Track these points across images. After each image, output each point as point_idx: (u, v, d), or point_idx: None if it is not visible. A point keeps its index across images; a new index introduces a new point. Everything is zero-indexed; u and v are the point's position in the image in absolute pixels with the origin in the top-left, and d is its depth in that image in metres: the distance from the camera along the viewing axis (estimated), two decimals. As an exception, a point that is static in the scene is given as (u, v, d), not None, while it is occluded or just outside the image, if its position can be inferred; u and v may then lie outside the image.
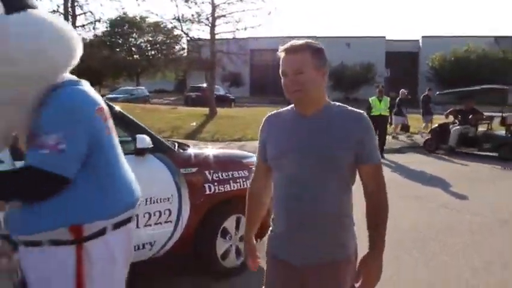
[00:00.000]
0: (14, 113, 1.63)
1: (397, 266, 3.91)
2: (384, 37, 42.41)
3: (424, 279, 3.77)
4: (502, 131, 11.02)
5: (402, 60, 40.48)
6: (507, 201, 6.62)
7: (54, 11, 17.29)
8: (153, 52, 48.51)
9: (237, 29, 18.14)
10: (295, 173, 1.76)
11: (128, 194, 1.81)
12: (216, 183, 3.43)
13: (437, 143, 11.77)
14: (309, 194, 1.74)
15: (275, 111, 1.94)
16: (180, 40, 48.60)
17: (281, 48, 1.76)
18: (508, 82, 29.87)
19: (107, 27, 42.36)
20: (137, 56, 47.93)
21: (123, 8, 26.94)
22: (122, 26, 45.97)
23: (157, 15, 17.85)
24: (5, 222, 1.76)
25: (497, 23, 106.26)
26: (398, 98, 13.51)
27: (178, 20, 18.29)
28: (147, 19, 46.42)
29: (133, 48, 48.05)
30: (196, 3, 17.75)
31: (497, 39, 39.04)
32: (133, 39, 48.10)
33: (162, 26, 48.65)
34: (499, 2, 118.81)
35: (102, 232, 1.70)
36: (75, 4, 17.57)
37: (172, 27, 49.08)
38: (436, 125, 12.25)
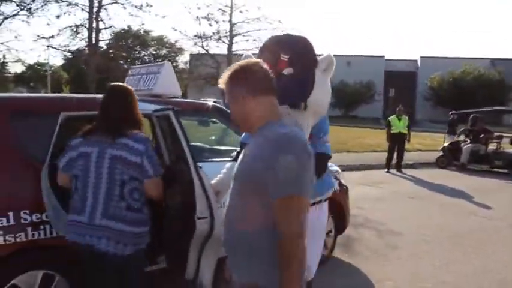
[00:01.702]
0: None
1: (447, 260, 4.65)
2: (383, 56, 43.58)
3: (468, 273, 4.50)
4: (511, 149, 11.86)
5: (400, 80, 41.55)
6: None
7: (80, 25, 18.04)
8: (156, 66, 49.36)
9: (256, 47, 18.95)
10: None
11: None
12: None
13: (449, 160, 12.59)
14: (229, 220, 1.72)
15: None
16: (183, 54, 49.88)
17: None
18: (504, 104, 31.14)
19: (111, 40, 43.37)
20: (140, 69, 48.69)
21: (143, 24, 27.74)
22: (126, 39, 46.82)
23: (180, 32, 18.44)
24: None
25: (493, 45, 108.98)
26: (450, 118, 14.03)
27: (200, 37, 19.12)
28: (151, 33, 47.64)
29: (137, 62, 48.82)
30: (217, 22, 18.58)
31: (493, 61, 40.45)
32: (136, 52, 48.93)
33: (165, 40, 50.04)
34: (495, 25, 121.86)
35: None
36: (99, 19, 18.30)
37: (175, 41, 50.25)
38: (448, 143, 13.03)
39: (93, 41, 18.27)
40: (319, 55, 2.67)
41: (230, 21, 19.05)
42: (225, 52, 19.84)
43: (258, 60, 1.83)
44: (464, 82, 36.24)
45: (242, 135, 2.90)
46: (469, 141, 12.44)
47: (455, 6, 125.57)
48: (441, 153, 12.98)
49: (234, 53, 19.91)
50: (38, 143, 2.79)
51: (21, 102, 2.98)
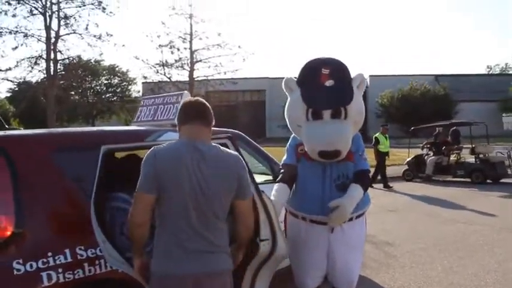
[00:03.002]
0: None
1: (448, 264, 4.96)
2: (333, 76, 45.00)
3: (471, 274, 4.82)
4: (471, 159, 12.65)
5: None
6: (498, 213, 7.96)
7: (39, 56, 17.58)
8: (108, 95, 48.60)
9: (218, 73, 19.22)
10: None
11: None
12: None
13: (414, 173, 13.24)
14: None
15: None
16: (135, 83, 49.48)
17: None
18: (450, 117, 33.02)
19: (61, 70, 42.16)
20: (92, 99, 47.52)
21: (101, 54, 27.39)
22: (77, 69, 45.63)
23: (143, 61, 18.46)
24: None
25: (436, 62, 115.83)
26: (436, 132, 14.17)
27: (163, 65, 19.12)
28: (101, 62, 46.86)
29: (88, 92, 47.71)
30: (178, 49, 18.69)
31: (437, 77, 42.99)
32: (87, 82, 47.76)
33: (117, 69, 49.32)
34: (438, 43, 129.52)
35: None
36: (57, 50, 17.92)
37: (127, 70, 49.46)
38: (411, 157, 13.68)
39: (52, 73, 17.84)
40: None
41: (190, 48, 19.24)
42: (187, 79, 19.93)
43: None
44: (412, 98, 38.13)
45: (284, 158, 3.07)
46: (432, 153, 13.16)
47: (399, 26, 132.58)
48: (406, 166, 13.63)
49: (195, 79, 20.05)
50: (83, 178, 2.80)
51: (63, 138, 2.98)
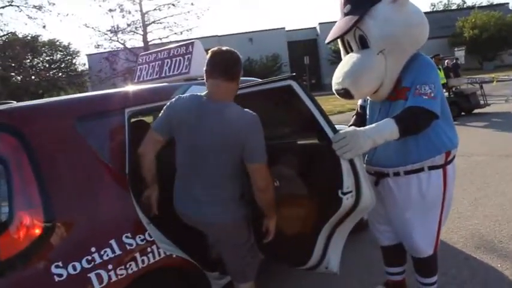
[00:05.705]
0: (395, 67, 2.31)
1: (464, 201, 4.82)
2: (284, 28, 44.39)
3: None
4: (445, 93, 12.72)
5: (303, 48, 42.63)
6: (488, 142, 7.96)
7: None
8: (52, 72, 45.65)
9: (175, 33, 18.22)
10: None
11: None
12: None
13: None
14: None
15: None
16: (79, 55, 46.82)
17: None
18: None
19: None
20: (34, 77, 44.49)
21: (44, 26, 25.19)
22: (13, 47, 42.32)
23: (93, 29, 17.15)
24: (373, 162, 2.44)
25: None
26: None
27: (115, 31, 17.87)
28: (39, 38, 43.70)
29: (30, 70, 44.55)
30: (130, 12, 17.49)
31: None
32: (28, 61, 44.54)
33: (57, 43, 46.23)
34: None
35: (452, 159, 2.40)
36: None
37: (68, 44, 46.60)
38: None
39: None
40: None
41: (141, 10, 18.02)
42: (142, 44, 18.79)
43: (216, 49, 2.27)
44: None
45: (360, 100, 2.70)
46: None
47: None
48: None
49: (150, 43, 18.95)
50: (113, 149, 2.29)
51: (85, 104, 2.39)
